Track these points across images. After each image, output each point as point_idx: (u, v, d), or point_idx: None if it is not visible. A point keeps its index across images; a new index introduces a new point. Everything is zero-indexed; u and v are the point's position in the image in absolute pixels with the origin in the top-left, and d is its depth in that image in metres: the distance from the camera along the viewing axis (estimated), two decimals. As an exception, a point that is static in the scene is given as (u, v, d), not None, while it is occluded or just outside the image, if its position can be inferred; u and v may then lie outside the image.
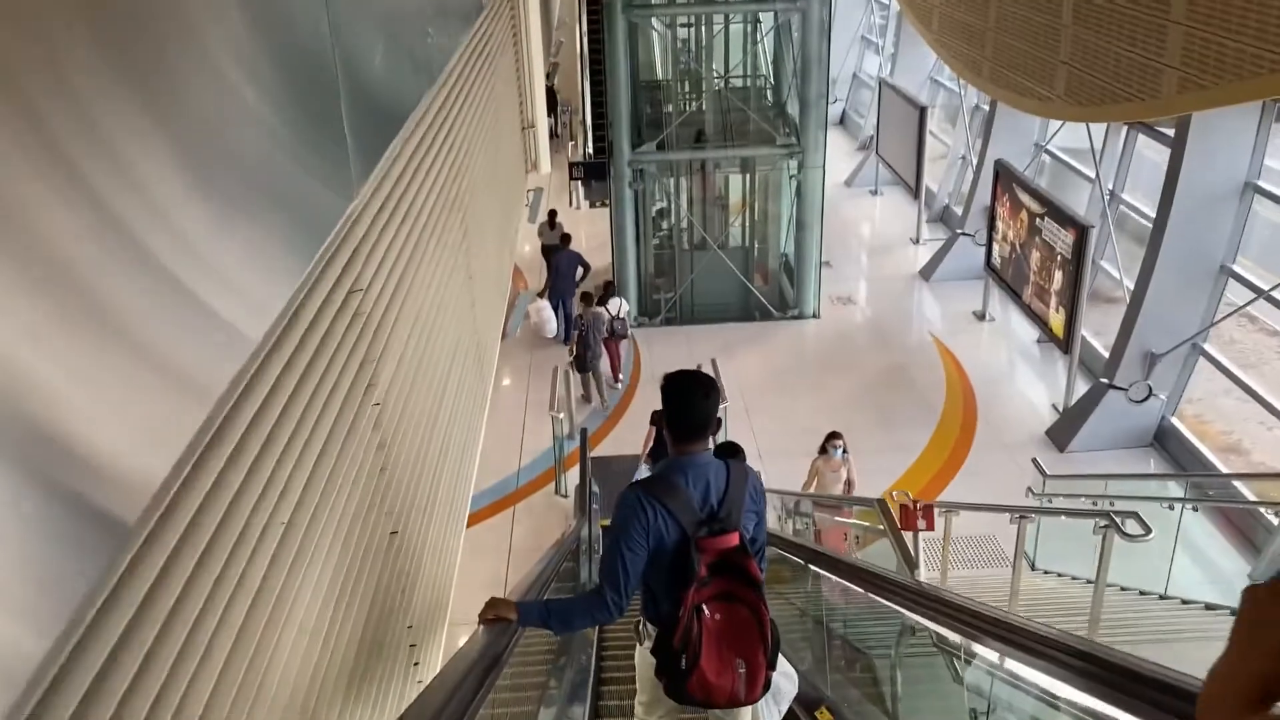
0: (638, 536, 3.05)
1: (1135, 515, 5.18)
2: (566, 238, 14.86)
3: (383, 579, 3.12)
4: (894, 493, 9.83)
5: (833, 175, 15.35)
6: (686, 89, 15.80)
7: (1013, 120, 15.42)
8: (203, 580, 1.82)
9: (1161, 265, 10.81)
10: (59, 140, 1.40)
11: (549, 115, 22.87)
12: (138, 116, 1.63)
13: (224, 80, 2.03)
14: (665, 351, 14.57)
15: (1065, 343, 12.07)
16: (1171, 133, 11.64)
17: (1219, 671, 1.20)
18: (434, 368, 4.06)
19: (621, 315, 13.16)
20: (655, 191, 15.41)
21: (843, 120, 25.80)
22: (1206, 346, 11.04)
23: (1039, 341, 14.28)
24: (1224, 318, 10.66)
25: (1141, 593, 7.53)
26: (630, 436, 12.39)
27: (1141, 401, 11.28)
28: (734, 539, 3.08)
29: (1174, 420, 11.42)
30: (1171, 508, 7.50)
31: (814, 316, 15.43)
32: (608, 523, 5.41)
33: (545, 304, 13.87)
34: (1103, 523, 5.35)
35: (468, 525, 11.05)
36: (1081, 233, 11.49)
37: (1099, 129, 13.19)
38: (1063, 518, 8.50)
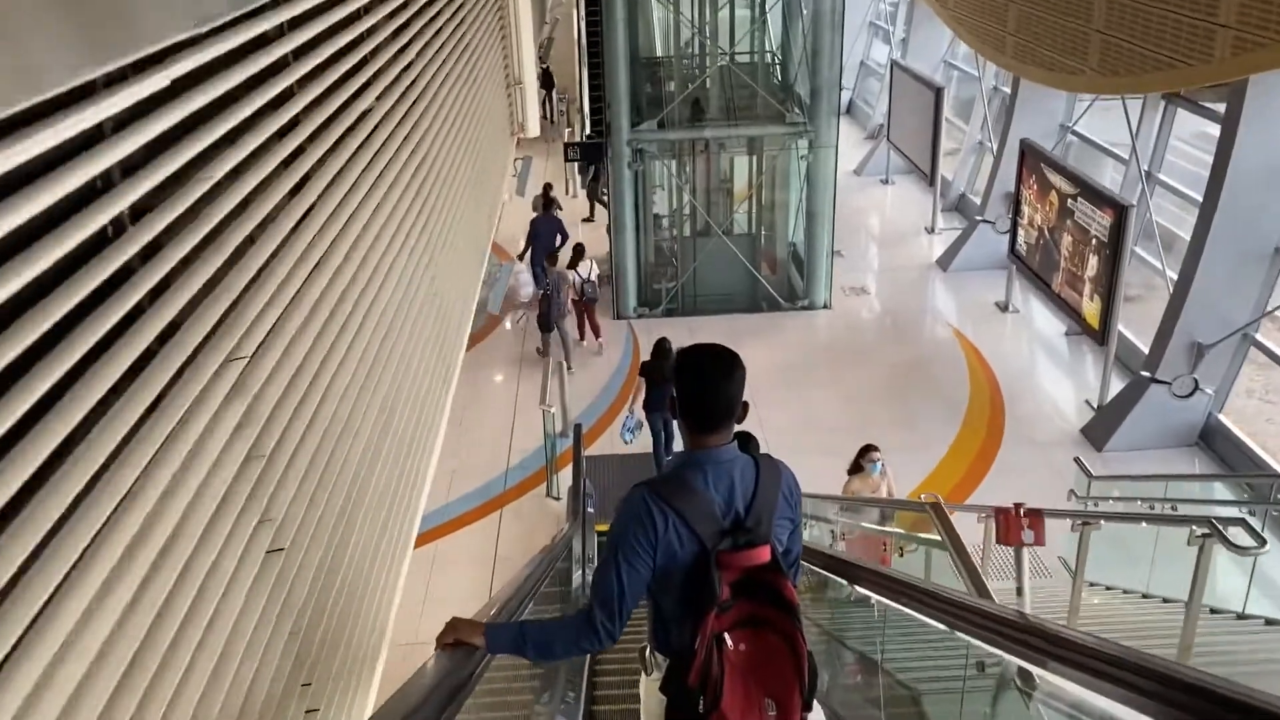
0: (641, 549, 2.49)
1: (1243, 523, 4.26)
2: (550, 202, 14.76)
3: (251, 616, 2.16)
4: (921, 495, 8.93)
5: (841, 164, 14.48)
6: (692, 62, 14.84)
7: (1036, 101, 14.54)
8: None
9: (1211, 248, 9.88)
10: None
11: (543, 98, 22.18)
12: None
13: None
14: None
15: (1101, 334, 11.13)
16: (1218, 107, 10.76)
17: None
18: (351, 324, 3.11)
19: (592, 278, 13.10)
20: (656, 175, 14.48)
21: (850, 109, 24.84)
22: (1259, 337, 10.11)
23: (1067, 334, 13.36)
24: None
25: (1212, 610, 6.58)
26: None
27: (1187, 397, 10.34)
28: (764, 553, 2.50)
29: (1222, 417, 10.47)
30: (1252, 513, 6.53)
31: (825, 307, 14.49)
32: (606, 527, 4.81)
33: (524, 267, 13.87)
34: (1202, 531, 4.43)
35: (447, 531, 10.22)
36: (1120, 213, 10.55)
37: (1134, 106, 12.29)
38: (1107, 522, 7.55)
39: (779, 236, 15.05)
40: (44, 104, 1.49)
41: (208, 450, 2.02)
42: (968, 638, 3.07)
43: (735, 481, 2.56)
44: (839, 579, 3.96)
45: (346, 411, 3.04)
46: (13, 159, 1.40)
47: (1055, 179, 12.10)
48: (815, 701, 2.66)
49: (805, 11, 13.92)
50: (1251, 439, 10.16)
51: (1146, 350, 11.51)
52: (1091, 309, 11.29)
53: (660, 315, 14.46)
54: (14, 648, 1.34)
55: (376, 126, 3.61)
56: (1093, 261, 11.22)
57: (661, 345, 10.45)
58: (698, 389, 2.56)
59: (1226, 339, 10.06)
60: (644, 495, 2.53)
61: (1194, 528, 4.50)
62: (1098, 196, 11.11)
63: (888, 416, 11.57)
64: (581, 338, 13.54)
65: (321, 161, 2.98)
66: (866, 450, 8.08)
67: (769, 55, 15.49)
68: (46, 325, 1.49)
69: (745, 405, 2.61)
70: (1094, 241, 11.12)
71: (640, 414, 10.09)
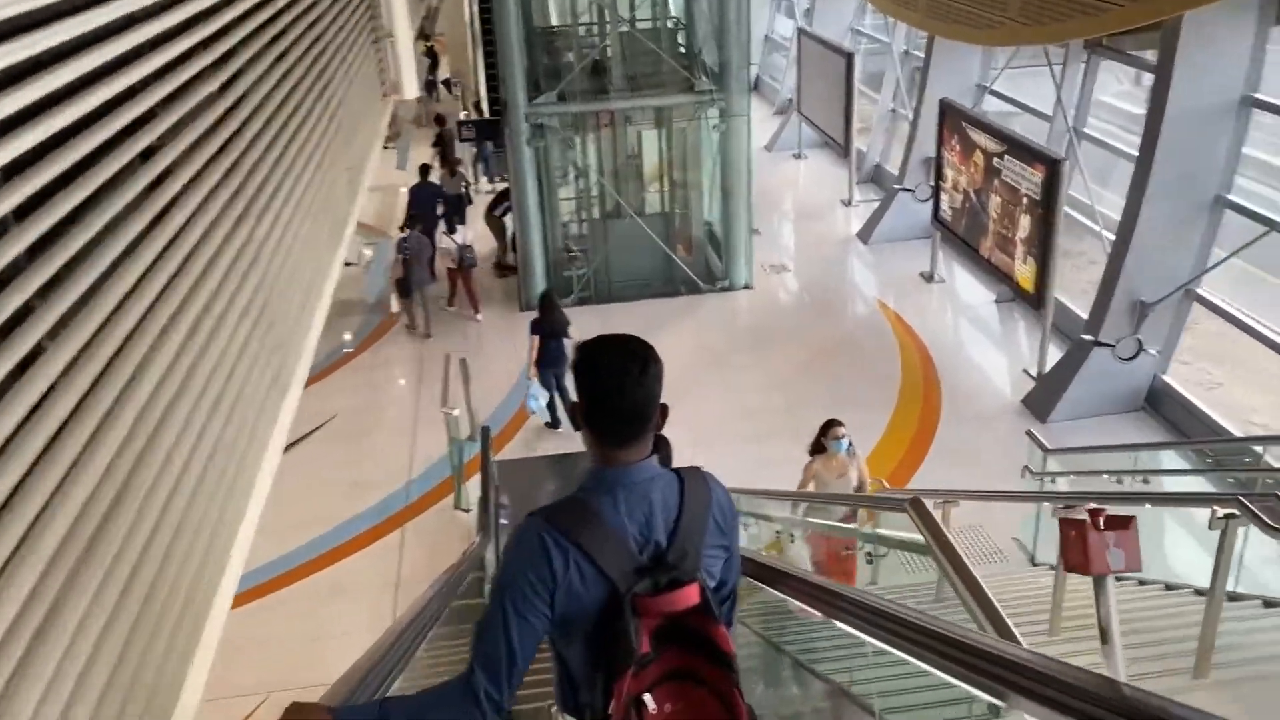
0: (535, 597, 2.04)
1: (1276, 498, 3.53)
2: (425, 168, 14.81)
3: None
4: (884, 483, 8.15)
5: (752, 141, 13.74)
6: (591, 31, 13.86)
7: (950, 62, 13.96)
8: None
9: (1150, 201, 9.32)
10: None
11: (427, 82, 21.13)
12: None
13: None
14: (579, 335, 12.67)
15: (1037, 298, 10.53)
16: (1146, 55, 10.26)
17: None
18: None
19: (467, 244, 12.98)
20: (560, 153, 13.49)
21: (757, 86, 24.16)
22: (1203, 291, 9.61)
23: (997, 302, 12.82)
24: (1234, 254, 9.16)
25: (1197, 592, 5.92)
26: (542, 435, 10.48)
27: (1131, 359, 9.79)
28: (691, 594, 2.07)
29: (1168, 379, 9.96)
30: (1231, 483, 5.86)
31: (746, 287, 13.70)
32: None
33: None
34: (1225, 511, 3.68)
35: (345, 554, 9.12)
36: (1052, 168, 9.94)
37: (1057, 56, 11.75)
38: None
39: (694, 215, 14.19)
40: None
41: None
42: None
43: (655, 506, 2.12)
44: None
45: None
46: None
47: (979, 137, 11.48)
48: None
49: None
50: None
51: (1081, 314, 11.02)
52: (1025, 272, 10.69)
53: (572, 304, 13.47)
54: None
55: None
56: (1024, 222, 10.62)
57: (547, 297, 10.45)
58: (603, 393, 2.10)
59: (1170, 296, 9.52)
60: (538, 529, 2.06)
61: (1216, 509, 3.77)
62: (1027, 152, 10.50)
63: (819, 398, 10.79)
64: (451, 302, 13.43)
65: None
66: (829, 426, 6.99)
67: (671, 22, 14.59)
68: None
69: (664, 409, 2.17)
70: (1025, 200, 10.52)
71: (537, 379, 9.88)
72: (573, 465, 9.43)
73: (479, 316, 13.31)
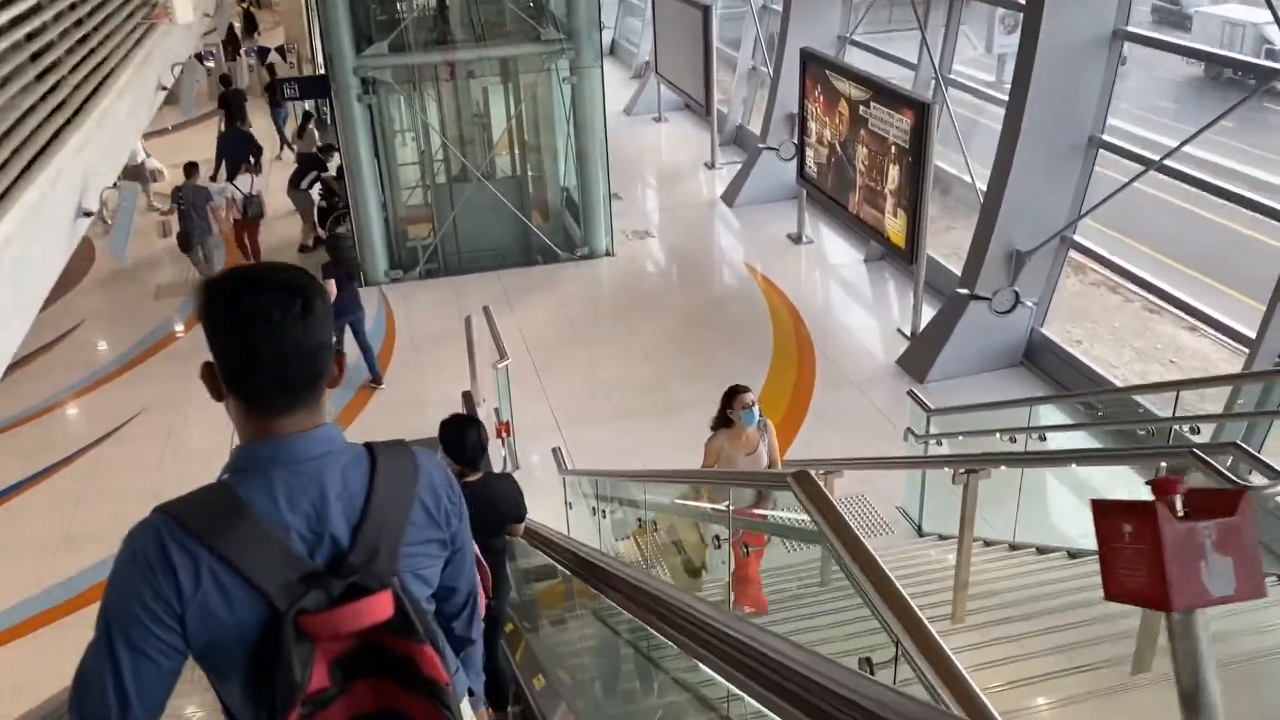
0: (155, 624, 1.52)
1: (1236, 449, 2.85)
2: (231, 119, 14.64)
3: None
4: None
5: (610, 105, 12.84)
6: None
7: (811, 12, 13.36)
8: None
9: (1024, 143, 8.82)
10: None
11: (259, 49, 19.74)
12: None
13: None
14: (426, 309, 11.60)
15: (909, 252, 9.98)
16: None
17: None
18: None
19: (254, 193, 12.19)
20: (399, 112, 12.31)
21: (613, 50, 23.28)
22: (1079, 239, 9.21)
23: (866, 261, 12.30)
24: (1112, 195, 8.73)
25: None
26: (383, 421, 9.36)
27: (1007, 312, 9.34)
28: (380, 606, 1.55)
29: (1045, 332, 9.56)
30: (1152, 433, 5.30)
31: (607, 255, 12.81)
32: None
33: (223, 187, 12.67)
34: (1181, 466, 2.95)
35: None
36: (920, 112, 9.37)
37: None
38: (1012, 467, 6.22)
39: (549, 180, 13.22)
40: None
41: None
42: None
43: (328, 490, 1.61)
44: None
45: None
46: None
47: (843, 85, 10.85)
48: None
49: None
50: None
51: (953, 270, 10.57)
52: (896, 226, 10.12)
53: (418, 278, 12.36)
54: None
55: None
56: (893, 172, 10.04)
57: (337, 237, 10.24)
58: (246, 342, 1.58)
59: (1047, 244, 9.08)
60: (155, 529, 1.54)
61: (1164, 464, 3.08)
62: (894, 98, 9.91)
63: (688, 369, 10.04)
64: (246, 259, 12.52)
65: None
66: (734, 394, 5.79)
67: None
68: None
69: (339, 357, 1.71)
70: (893, 150, 9.94)
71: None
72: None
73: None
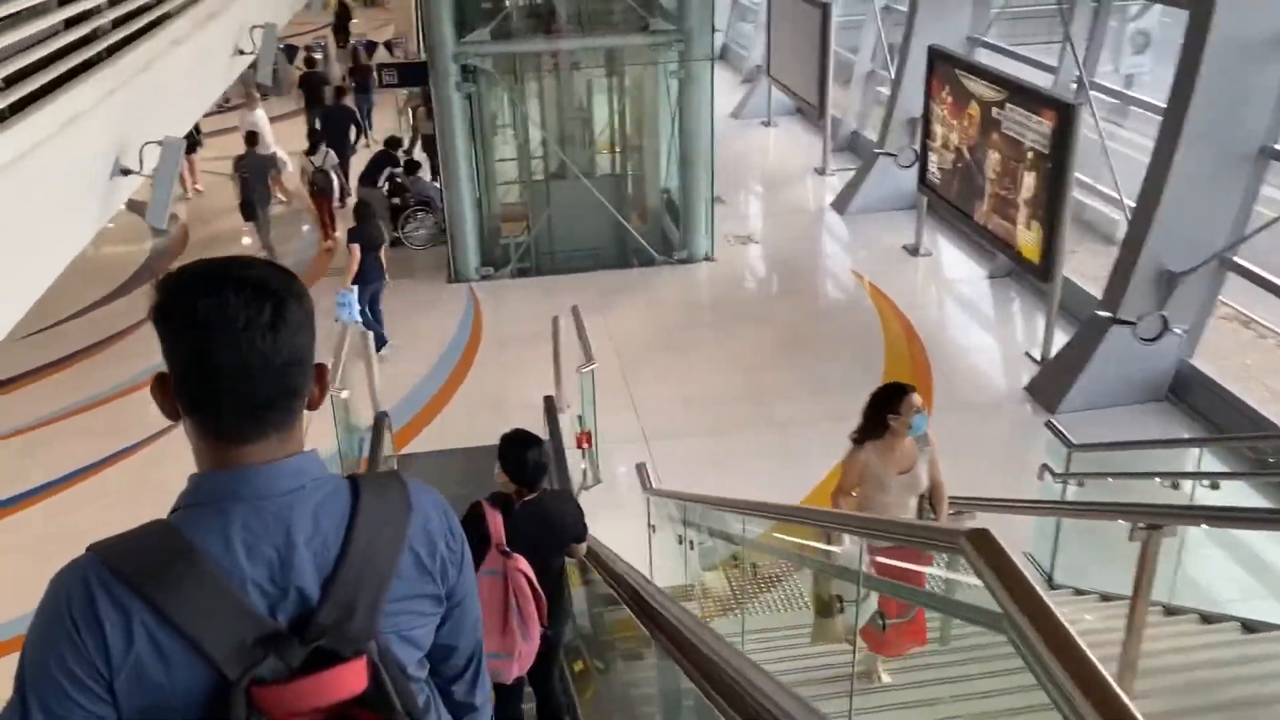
0: (79, 691, 1.28)
1: None
2: (340, 90, 14.92)
3: None
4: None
5: (717, 107, 12.20)
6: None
7: (939, 9, 12.48)
8: None
9: (1183, 153, 7.83)
10: None
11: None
12: None
13: None
14: (515, 309, 11.08)
15: (1043, 268, 9.04)
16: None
17: None
18: None
19: (326, 167, 12.42)
20: (498, 104, 11.87)
21: (724, 54, 22.60)
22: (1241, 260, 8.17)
23: (990, 277, 11.33)
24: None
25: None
26: (461, 423, 8.84)
27: (1154, 340, 8.32)
28: (353, 676, 1.32)
29: (1196, 363, 8.51)
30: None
31: (706, 259, 12.12)
32: None
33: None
34: None
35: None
36: (1064, 114, 8.45)
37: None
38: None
39: (650, 179, 12.62)
40: None
41: None
42: None
43: (295, 534, 1.34)
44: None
45: None
46: None
47: (975, 86, 9.96)
48: None
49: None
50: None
51: (1090, 291, 9.60)
52: (1029, 239, 9.19)
53: (509, 276, 11.87)
54: None
55: None
56: (1029, 180, 9.12)
57: (366, 205, 10.15)
58: (200, 353, 1.32)
59: (1203, 266, 8.07)
60: (86, 573, 1.29)
61: None
62: (1033, 99, 9.00)
63: (789, 383, 9.29)
64: (325, 236, 12.85)
65: None
66: (897, 393, 4.48)
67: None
68: None
69: (320, 370, 1.43)
70: (1030, 155, 9.02)
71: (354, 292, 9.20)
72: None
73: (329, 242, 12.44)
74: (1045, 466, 6.47)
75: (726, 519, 5.22)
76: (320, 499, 1.37)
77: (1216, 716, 3.46)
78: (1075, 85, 10.10)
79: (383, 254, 9.85)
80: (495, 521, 3.61)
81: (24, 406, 9.58)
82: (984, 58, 12.32)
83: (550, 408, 8.03)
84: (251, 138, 12.22)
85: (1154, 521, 3.37)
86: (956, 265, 11.86)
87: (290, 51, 20.68)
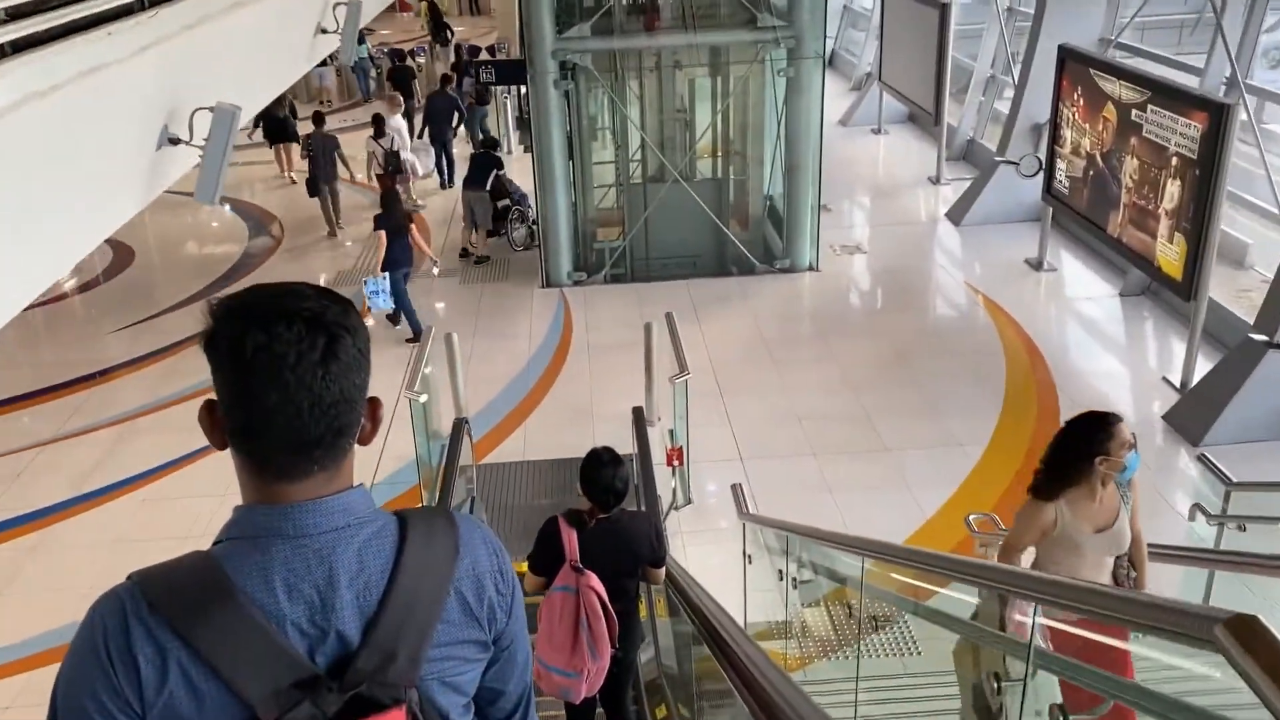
0: None
1: None
2: (446, 78, 15.41)
3: None
4: (972, 517, 5.94)
5: (826, 114, 11.60)
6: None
7: (1069, 7, 11.64)
8: None
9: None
10: None
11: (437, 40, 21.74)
12: None
13: None
14: (607, 316, 10.63)
15: (1187, 286, 8.18)
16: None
17: None
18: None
19: (395, 149, 12.74)
20: (596, 103, 11.47)
21: (833, 61, 21.91)
22: None
23: (1122, 295, 10.43)
24: None
25: None
26: (546, 432, 8.41)
27: (1318, 368, 7.41)
28: None
29: (1367, 395, 7.56)
30: None
31: (811, 269, 11.49)
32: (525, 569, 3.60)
33: (423, 144, 14.15)
34: None
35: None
36: (1218, 117, 7.60)
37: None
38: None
39: (752, 185, 12.06)
40: None
41: None
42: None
43: (338, 574, 1.33)
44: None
45: None
46: None
47: (1111, 87, 9.14)
48: None
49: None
50: None
51: (1235, 312, 8.70)
52: (1171, 253, 8.33)
53: (603, 282, 11.44)
54: None
55: None
56: (1172, 189, 8.27)
57: (391, 192, 10.26)
58: (249, 389, 1.29)
59: (1380, 284, 7.14)
60: (123, 603, 1.29)
61: None
62: (1181, 99, 8.17)
63: (898, 403, 8.61)
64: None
65: None
66: (1103, 424, 3.55)
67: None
68: None
69: (373, 404, 1.39)
70: (1174, 161, 8.17)
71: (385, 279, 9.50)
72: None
73: (435, 270, 11.68)
74: (1197, 506, 5.70)
75: (835, 557, 4.61)
76: (366, 538, 1.36)
77: None
78: (1224, 87, 9.20)
79: (415, 236, 10.06)
80: (570, 538, 3.60)
81: (121, 395, 9.56)
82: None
83: (639, 419, 7.53)
84: (318, 118, 13.10)
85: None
86: (1084, 281, 10.97)
87: (396, 56, 20.89)
